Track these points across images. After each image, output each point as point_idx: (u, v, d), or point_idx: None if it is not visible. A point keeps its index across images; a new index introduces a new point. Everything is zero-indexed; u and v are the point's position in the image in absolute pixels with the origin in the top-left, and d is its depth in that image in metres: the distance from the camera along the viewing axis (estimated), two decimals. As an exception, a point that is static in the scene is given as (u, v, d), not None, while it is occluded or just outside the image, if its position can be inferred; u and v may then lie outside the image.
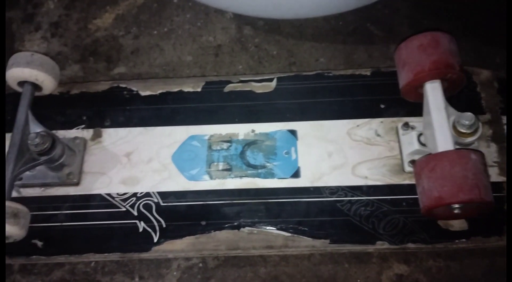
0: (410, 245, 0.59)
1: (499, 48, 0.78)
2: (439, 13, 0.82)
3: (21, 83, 0.62)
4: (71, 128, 0.67)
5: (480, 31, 0.80)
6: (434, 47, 0.57)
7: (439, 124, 0.56)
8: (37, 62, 0.60)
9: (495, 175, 0.62)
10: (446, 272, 0.63)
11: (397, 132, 0.65)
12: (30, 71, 0.60)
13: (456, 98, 0.64)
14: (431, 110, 0.57)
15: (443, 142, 0.55)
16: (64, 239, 0.61)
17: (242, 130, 0.67)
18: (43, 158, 0.59)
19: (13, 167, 0.56)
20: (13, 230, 0.52)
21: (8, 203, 0.53)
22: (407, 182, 0.62)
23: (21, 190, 0.63)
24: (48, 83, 0.62)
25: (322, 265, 0.64)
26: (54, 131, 0.66)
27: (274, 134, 0.66)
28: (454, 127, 0.57)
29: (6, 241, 0.54)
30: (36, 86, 0.62)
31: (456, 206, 0.52)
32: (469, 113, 0.56)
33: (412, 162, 0.62)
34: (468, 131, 0.56)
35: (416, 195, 0.57)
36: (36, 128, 0.59)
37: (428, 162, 0.54)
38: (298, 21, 0.82)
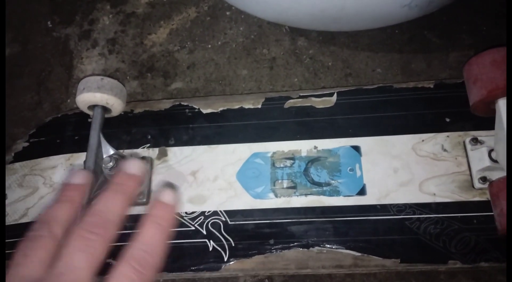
0: (483, 264, 0.58)
1: None
2: (499, 19, 0.79)
3: (91, 107, 0.64)
4: (137, 147, 0.69)
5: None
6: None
7: (514, 143, 0.55)
8: (107, 86, 0.62)
9: None
10: (517, 289, 0.62)
11: (464, 147, 0.64)
12: (101, 95, 0.61)
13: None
14: (505, 128, 0.56)
15: (520, 161, 0.54)
16: (136, 257, 0.62)
17: (304, 147, 0.67)
18: (116, 180, 0.61)
19: (89, 191, 0.58)
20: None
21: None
22: (477, 198, 0.61)
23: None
24: (117, 106, 0.63)
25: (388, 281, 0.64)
26: (120, 151, 0.68)
27: (337, 151, 0.66)
28: (528, 144, 0.56)
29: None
30: (106, 109, 0.64)
31: (537, 228, 0.51)
32: (546, 131, 0.54)
33: (483, 179, 0.61)
34: (545, 149, 0.55)
35: (488, 212, 0.56)
36: (108, 150, 0.61)
37: (506, 183, 0.53)
38: (353, 31, 0.81)
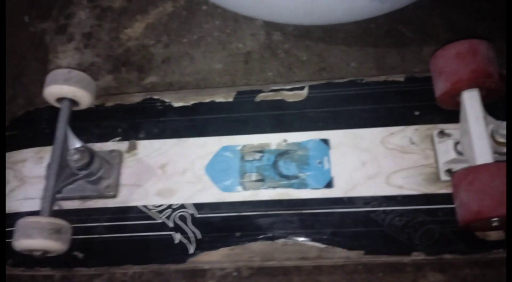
0: (447, 256, 0.58)
1: (538, 49, 0.75)
2: (474, 13, 0.79)
3: (59, 100, 0.64)
4: (107, 140, 0.69)
5: (517, 31, 0.77)
6: (472, 55, 0.56)
7: (477, 135, 0.55)
8: (75, 79, 0.62)
9: (536, 183, 0.61)
10: (482, 281, 0.62)
11: (432, 140, 0.64)
12: (68, 88, 0.61)
13: (494, 104, 0.62)
14: (469, 120, 0.56)
15: (482, 153, 0.54)
16: (103, 250, 0.63)
17: (274, 140, 0.67)
18: (82, 173, 0.61)
19: (54, 183, 0.58)
20: (57, 246, 0.54)
21: (50, 220, 0.55)
22: (443, 191, 0.61)
23: (61, 203, 0.65)
24: (85, 99, 0.63)
25: (355, 274, 0.64)
26: (90, 144, 0.68)
27: (307, 144, 0.66)
28: (492, 136, 0.56)
29: (49, 255, 0.56)
30: (73, 102, 0.64)
31: (495, 219, 0.51)
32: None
33: (449, 171, 0.61)
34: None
35: (453, 204, 0.56)
36: (75, 143, 0.61)
37: (467, 174, 0.53)
38: (328, 25, 0.81)
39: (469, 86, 0.56)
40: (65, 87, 0.61)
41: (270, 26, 0.82)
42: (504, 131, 0.55)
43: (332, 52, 0.79)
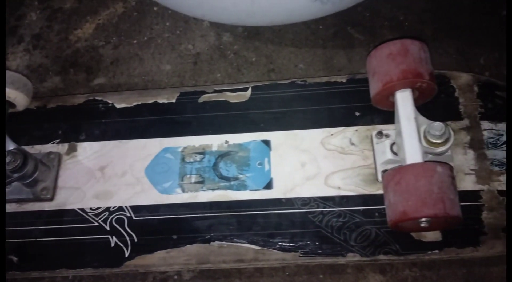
0: (382, 257, 0.58)
1: (483, 50, 0.76)
2: (421, 14, 0.80)
3: (-6, 101, 0.63)
4: (47, 142, 0.68)
5: (463, 32, 0.78)
6: (404, 55, 0.56)
7: (408, 135, 0.55)
8: (9, 80, 0.60)
9: (472, 183, 0.61)
10: (423, 283, 0.62)
11: (371, 141, 0.64)
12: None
13: (433, 104, 0.63)
14: (400, 120, 0.56)
15: (411, 153, 0.54)
16: (39, 254, 0.62)
17: (215, 141, 0.66)
18: (16, 175, 0.60)
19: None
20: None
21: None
22: (380, 192, 0.61)
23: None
24: (20, 100, 0.62)
25: (296, 276, 0.64)
26: (30, 147, 0.67)
27: (248, 145, 0.66)
28: (425, 137, 0.56)
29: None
30: (9, 104, 0.63)
31: (423, 220, 0.51)
32: (439, 123, 0.55)
33: (385, 172, 0.61)
34: (439, 141, 0.55)
35: (389, 205, 0.56)
36: (8, 145, 0.60)
37: (394, 174, 0.53)
38: (278, 27, 0.81)
39: (401, 86, 0.56)
40: (-2, 89, 0.60)
41: (220, 28, 0.82)
42: (436, 132, 0.55)
43: (281, 54, 0.79)
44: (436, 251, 0.58)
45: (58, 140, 0.68)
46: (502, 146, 0.63)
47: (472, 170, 0.62)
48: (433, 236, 0.58)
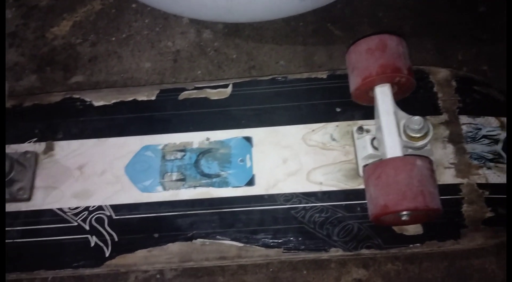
0: (364, 251, 0.58)
1: (461, 45, 0.77)
2: (400, 10, 0.80)
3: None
4: (23, 142, 0.66)
5: (442, 28, 0.79)
6: (382, 50, 0.56)
7: (387, 130, 0.55)
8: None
9: (451, 177, 0.62)
10: (405, 276, 0.62)
11: (352, 136, 0.64)
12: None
13: (413, 99, 0.63)
14: (380, 115, 0.56)
15: (391, 148, 0.54)
16: (16, 256, 0.60)
17: (196, 138, 0.66)
18: (-10, 175, 0.58)
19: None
20: None
21: None
22: (362, 186, 0.61)
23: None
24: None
25: (280, 272, 0.63)
26: (6, 146, 0.65)
27: (229, 142, 0.66)
28: (404, 131, 0.57)
29: None
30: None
31: (403, 213, 0.51)
32: (418, 117, 0.55)
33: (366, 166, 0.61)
34: (418, 135, 0.56)
35: (371, 199, 0.57)
36: (-18, 145, 0.58)
37: (374, 169, 0.53)
38: (258, 23, 0.81)
39: (380, 81, 0.56)
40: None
41: (200, 24, 0.81)
42: (415, 126, 0.55)
43: (262, 51, 0.79)
44: (418, 244, 0.58)
45: (35, 139, 0.66)
46: (480, 140, 0.64)
47: (451, 163, 0.62)
48: (414, 229, 0.59)
